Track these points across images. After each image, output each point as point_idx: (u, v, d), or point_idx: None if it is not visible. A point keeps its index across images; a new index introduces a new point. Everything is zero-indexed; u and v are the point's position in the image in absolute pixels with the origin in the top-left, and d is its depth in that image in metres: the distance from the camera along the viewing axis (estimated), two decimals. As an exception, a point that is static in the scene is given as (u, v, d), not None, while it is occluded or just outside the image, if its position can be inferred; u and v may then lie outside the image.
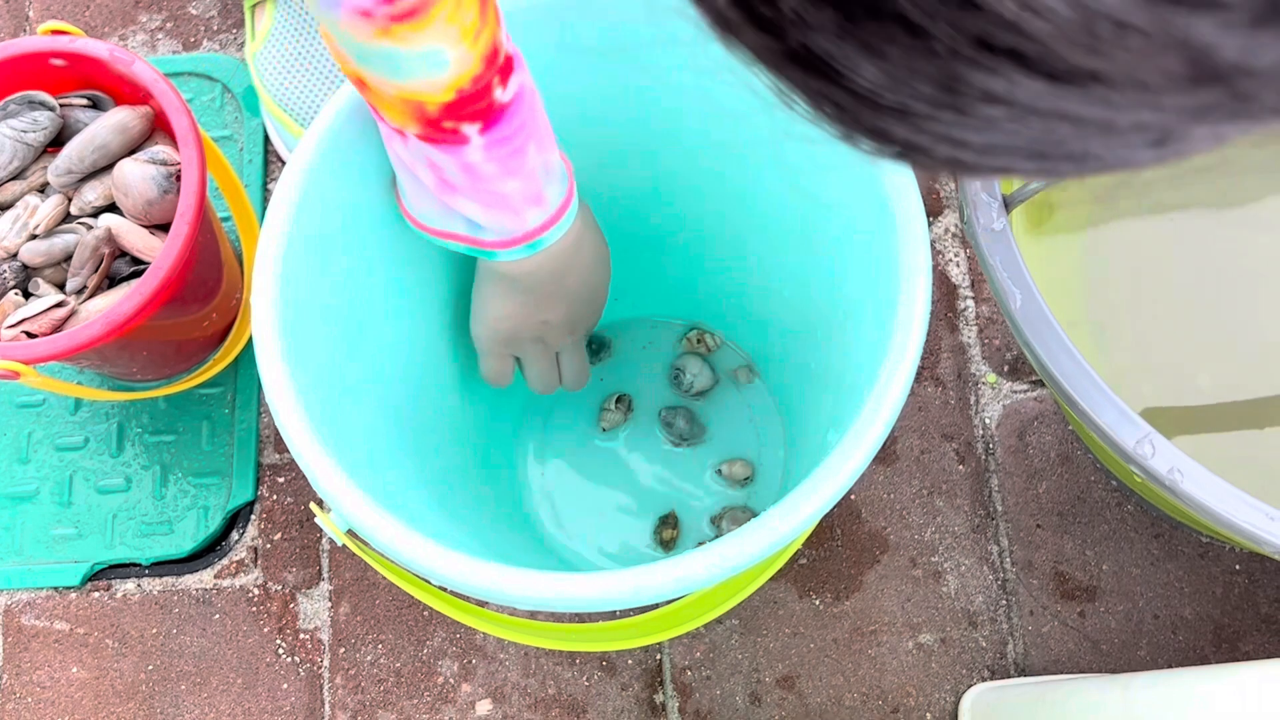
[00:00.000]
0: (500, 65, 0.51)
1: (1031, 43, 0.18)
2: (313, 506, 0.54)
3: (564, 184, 0.59)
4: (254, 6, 0.92)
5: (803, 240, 0.67)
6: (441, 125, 0.51)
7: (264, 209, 0.92)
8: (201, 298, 0.80)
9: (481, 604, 0.67)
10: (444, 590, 0.61)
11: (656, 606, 0.65)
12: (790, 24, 0.19)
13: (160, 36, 0.97)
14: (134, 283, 0.74)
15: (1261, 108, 0.19)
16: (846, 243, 0.61)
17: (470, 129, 0.52)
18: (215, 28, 0.97)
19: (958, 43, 0.18)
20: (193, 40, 0.97)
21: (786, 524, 0.51)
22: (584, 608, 0.51)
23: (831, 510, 0.82)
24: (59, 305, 0.72)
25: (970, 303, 0.86)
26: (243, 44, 0.96)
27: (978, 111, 0.20)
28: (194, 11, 0.97)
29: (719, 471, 0.81)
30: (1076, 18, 0.17)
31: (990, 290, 0.55)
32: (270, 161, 0.93)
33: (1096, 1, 0.17)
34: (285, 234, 0.58)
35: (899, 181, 0.54)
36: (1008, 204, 0.54)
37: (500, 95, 0.52)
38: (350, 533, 0.55)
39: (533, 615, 0.77)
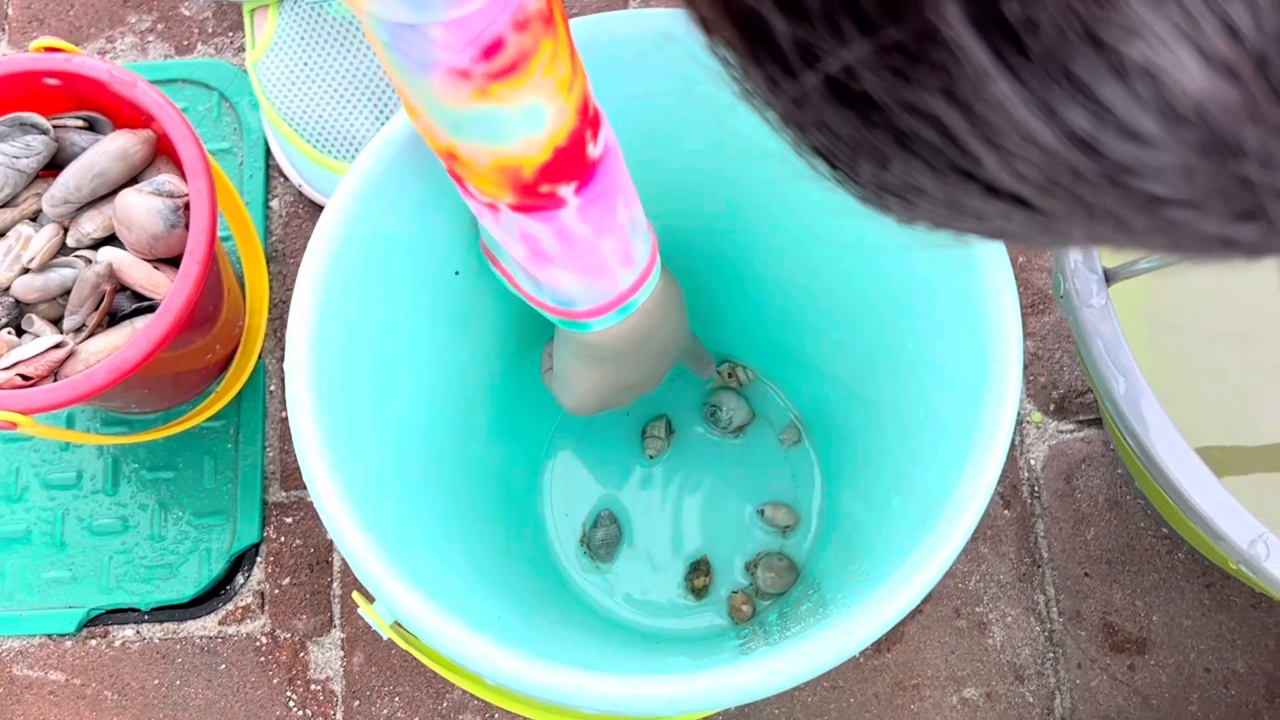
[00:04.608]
0: (590, 118, 0.49)
1: (1020, 190, 0.20)
2: (356, 597, 0.50)
3: (648, 240, 0.56)
4: (254, 11, 0.86)
5: (865, 289, 0.63)
6: (538, 190, 0.48)
7: (266, 227, 0.86)
8: (203, 328, 0.75)
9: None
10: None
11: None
12: (811, 124, 0.21)
13: (151, 39, 0.91)
14: (136, 322, 0.69)
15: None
16: (918, 311, 0.57)
17: (566, 190, 0.49)
18: (210, 30, 0.91)
19: (963, 190, 0.21)
20: (186, 44, 0.91)
21: (865, 630, 0.48)
22: (661, 712, 0.48)
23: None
24: (57, 346, 0.67)
25: (1012, 336, 0.83)
26: (241, 48, 0.90)
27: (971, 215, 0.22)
28: (186, 13, 0.91)
29: (760, 513, 0.77)
30: (1047, 171, 0.19)
31: (1082, 364, 0.51)
32: (272, 177, 0.87)
33: (1062, 156, 0.19)
34: (320, 290, 0.53)
35: (994, 263, 0.50)
36: (1109, 278, 0.50)
37: (592, 151, 0.49)
38: (396, 625, 0.51)
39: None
